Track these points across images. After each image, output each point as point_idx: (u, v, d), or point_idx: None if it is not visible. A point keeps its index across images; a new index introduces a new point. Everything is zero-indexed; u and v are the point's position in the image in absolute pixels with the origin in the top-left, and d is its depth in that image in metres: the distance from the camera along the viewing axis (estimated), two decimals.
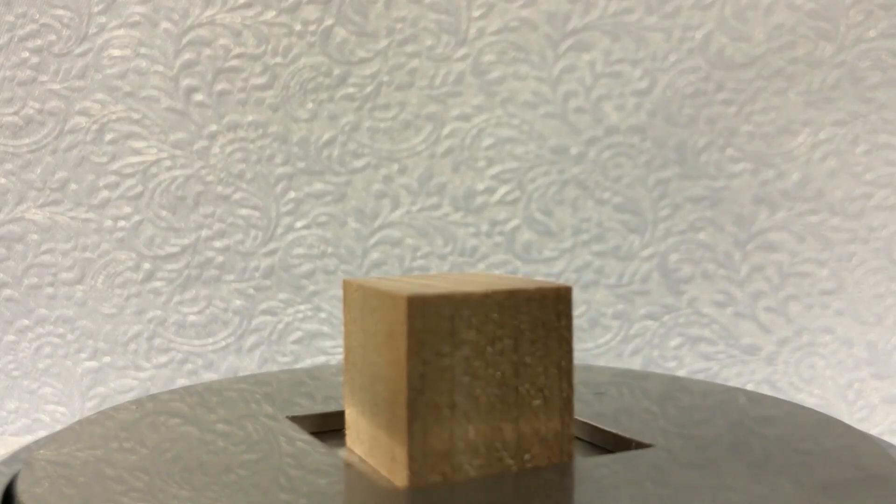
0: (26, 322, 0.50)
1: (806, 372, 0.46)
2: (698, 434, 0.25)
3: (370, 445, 0.23)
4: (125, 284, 0.49)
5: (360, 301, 0.23)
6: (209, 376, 0.50)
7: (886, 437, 0.46)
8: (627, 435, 0.25)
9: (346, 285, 0.24)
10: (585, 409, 0.28)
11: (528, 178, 0.47)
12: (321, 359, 0.49)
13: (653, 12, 0.46)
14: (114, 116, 0.49)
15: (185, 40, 0.48)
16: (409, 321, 0.21)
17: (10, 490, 0.21)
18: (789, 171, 0.46)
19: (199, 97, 0.48)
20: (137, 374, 0.50)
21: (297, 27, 0.47)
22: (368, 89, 0.47)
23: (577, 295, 0.47)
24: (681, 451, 0.23)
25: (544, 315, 0.22)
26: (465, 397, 0.21)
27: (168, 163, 0.49)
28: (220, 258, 0.49)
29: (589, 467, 0.22)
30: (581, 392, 0.30)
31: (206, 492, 0.20)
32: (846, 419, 0.46)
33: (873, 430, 0.46)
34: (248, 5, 0.47)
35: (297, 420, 0.27)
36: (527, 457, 0.22)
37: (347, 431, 0.25)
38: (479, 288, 0.22)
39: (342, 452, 0.25)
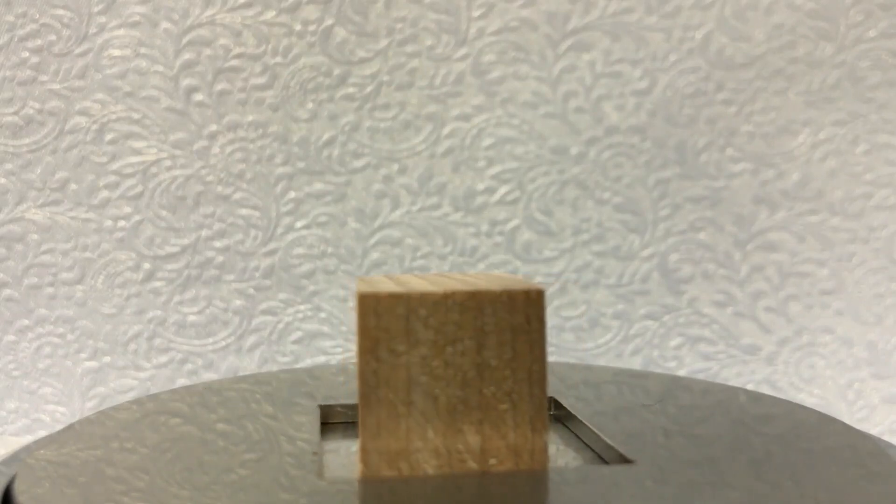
0: (26, 322, 0.50)
1: (806, 372, 0.46)
2: (699, 432, 0.25)
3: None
4: (125, 284, 0.49)
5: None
6: (209, 376, 0.50)
7: (886, 437, 0.46)
8: (621, 441, 0.25)
9: (359, 282, 0.24)
10: (585, 408, 0.28)
11: (528, 178, 0.47)
12: (321, 359, 0.49)
13: (653, 12, 0.46)
14: (114, 116, 0.49)
15: (185, 40, 0.48)
16: (361, 319, 0.21)
17: (9, 490, 0.21)
18: (789, 171, 0.46)
19: (199, 97, 0.48)
20: (137, 374, 0.50)
21: (297, 27, 0.47)
22: (368, 89, 0.47)
23: (576, 295, 0.47)
24: (681, 451, 0.23)
25: (512, 317, 0.21)
26: (422, 397, 0.21)
27: (168, 163, 0.49)
28: (220, 258, 0.49)
29: (563, 477, 0.21)
30: (631, 402, 0.30)
31: (207, 492, 0.20)
32: (846, 419, 0.46)
33: (873, 430, 0.46)
34: (248, 5, 0.47)
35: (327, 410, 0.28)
36: (492, 461, 0.22)
37: None
38: (441, 288, 0.22)
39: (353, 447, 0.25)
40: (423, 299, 0.21)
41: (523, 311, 0.21)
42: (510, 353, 0.21)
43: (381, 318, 0.21)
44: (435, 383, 0.21)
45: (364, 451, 0.21)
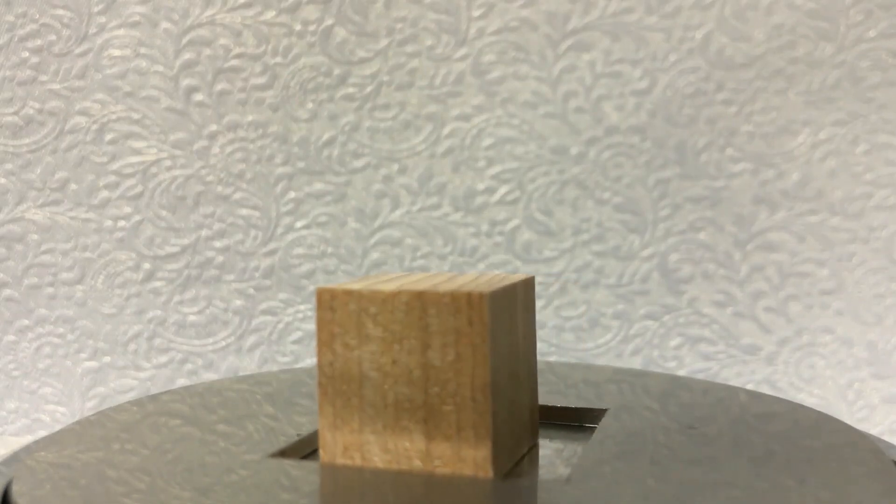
0: (26, 322, 0.50)
1: (806, 372, 0.46)
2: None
3: None
4: (125, 284, 0.49)
5: None
6: (209, 376, 0.50)
7: (886, 437, 0.46)
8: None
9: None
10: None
11: (528, 178, 0.47)
12: None
13: (653, 12, 0.46)
14: (114, 116, 0.49)
15: (185, 40, 0.48)
16: (318, 312, 0.22)
17: (9, 490, 0.21)
18: (789, 171, 0.46)
19: (199, 97, 0.48)
20: (137, 374, 0.50)
21: (297, 27, 0.47)
22: (368, 89, 0.47)
23: (576, 295, 0.47)
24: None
25: (455, 319, 0.21)
26: (372, 391, 0.22)
27: (168, 163, 0.49)
28: (220, 258, 0.49)
29: (506, 487, 0.21)
30: (668, 425, 0.30)
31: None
32: (846, 419, 0.46)
33: (873, 430, 0.46)
34: (248, 5, 0.47)
35: None
36: (437, 462, 0.22)
37: None
38: (394, 287, 0.22)
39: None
40: (373, 297, 0.22)
41: (466, 314, 0.21)
42: (453, 356, 0.21)
43: (336, 313, 0.22)
44: (384, 379, 0.22)
45: (322, 438, 0.23)
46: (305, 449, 0.25)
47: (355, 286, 0.22)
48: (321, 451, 0.23)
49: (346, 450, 0.22)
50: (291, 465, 0.22)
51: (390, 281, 0.24)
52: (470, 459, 0.21)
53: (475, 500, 0.20)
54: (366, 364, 0.22)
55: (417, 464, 0.22)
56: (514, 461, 0.23)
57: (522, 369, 0.24)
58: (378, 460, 0.22)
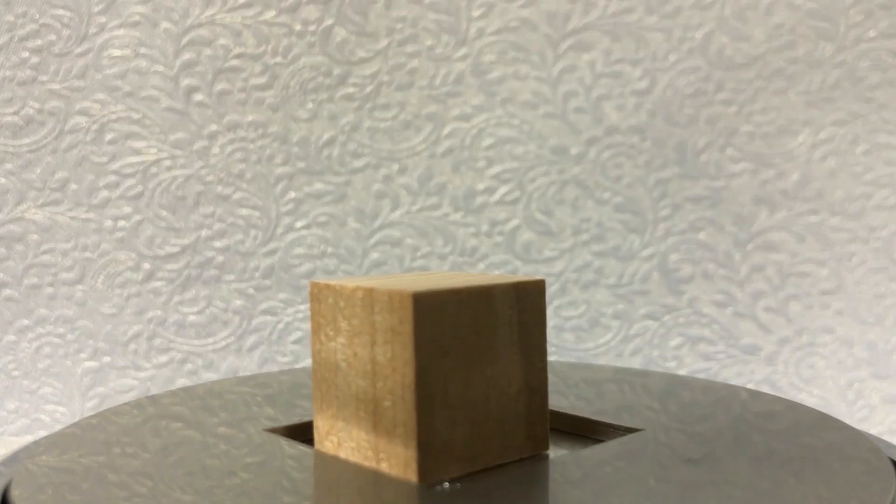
0: (26, 322, 0.50)
1: (806, 372, 0.46)
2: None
3: None
4: (125, 284, 0.49)
5: None
6: (209, 376, 0.50)
7: (886, 437, 0.46)
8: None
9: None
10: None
11: (528, 178, 0.47)
12: None
13: (653, 12, 0.46)
14: (114, 116, 0.49)
15: (185, 40, 0.48)
16: (310, 303, 0.24)
17: (8, 491, 0.21)
18: (789, 171, 0.46)
19: (199, 97, 0.48)
20: (137, 374, 0.50)
21: (297, 27, 0.47)
22: (368, 89, 0.47)
23: (576, 295, 0.47)
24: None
25: (392, 318, 0.22)
26: (342, 381, 0.23)
27: (168, 163, 0.49)
28: (220, 258, 0.49)
29: (432, 494, 0.21)
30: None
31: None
32: (846, 419, 0.46)
33: (873, 430, 0.46)
34: (248, 5, 0.47)
35: None
36: (381, 456, 0.22)
37: None
38: (355, 284, 0.23)
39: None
40: (341, 292, 0.23)
41: (398, 313, 0.22)
42: (391, 353, 0.22)
43: (321, 305, 0.24)
44: (348, 371, 0.23)
45: (315, 424, 0.24)
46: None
47: (336, 282, 0.23)
48: (315, 433, 0.24)
49: (327, 434, 0.24)
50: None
51: (377, 279, 0.24)
52: (402, 458, 0.22)
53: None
54: (339, 355, 0.23)
55: (370, 455, 0.22)
56: (469, 470, 0.22)
57: (502, 376, 0.23)
58: (346, 448, 0.23)
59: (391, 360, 0.22)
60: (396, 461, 0.22)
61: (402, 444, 0.22)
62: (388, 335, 0.22)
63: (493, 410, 0.23)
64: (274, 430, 0.26)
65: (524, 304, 0.24)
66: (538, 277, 0.24)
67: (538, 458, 0.23)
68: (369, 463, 0.22)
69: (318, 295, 0.24)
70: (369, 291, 0.22)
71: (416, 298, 0.21)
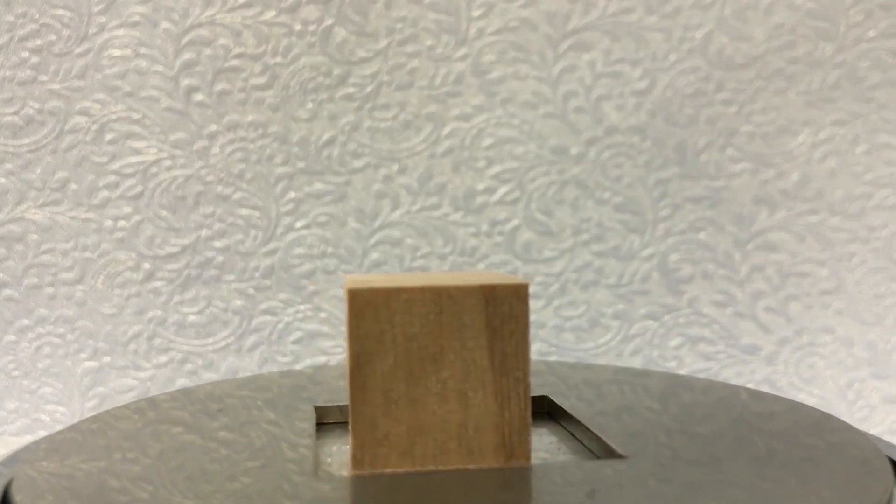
0: (26, 322, 0.51)
1: (806, 372, 0.46)
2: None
3: None
4: (125, 284, 0.49)
5: None
6: (209, 376, 0.50)
7: (886, 437, 0.46)
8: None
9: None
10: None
11: (528, 178, 0.47)
12: (321, 359, 0.49)
13: (653, 12, 0.45)
14: (114, 116, 0.49)
15: (185, 40, 0.48)
16: (346, 306, 0.24)
17: (8, 492, 0.21)
18: (789, 171, 0.46)
19: (199, 97, 0.48)
20: (137, 374, 0.50)
21: (297, 27, 0.47)
22: (368, 89, 0.47)
23: (576, 295, 0.47)
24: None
25: (348, 315, 0.23)
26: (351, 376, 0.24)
27: (168, 163, 0.49)
28: (220, 258, 0.49)
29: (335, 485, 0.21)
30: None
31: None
32: (846, 419, 0.46)
33: (873, 430, 0.46)
34: (248, 5, 0.47)
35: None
36: (357, 452, 0.23)
37: None
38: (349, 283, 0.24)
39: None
40: (348, 291, 0.23)
41: (350, 310, 0.22)
42: (346, 349, 0.23)
43: (346, 304, 0.24)
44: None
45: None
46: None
47: (348, 281, 0.24)
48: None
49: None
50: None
51: (377, 278, 0.25)
52: (367, 455, 0.23)
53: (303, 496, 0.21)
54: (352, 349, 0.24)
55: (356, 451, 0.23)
56: (411, 468, 0.22)
57: (462, 380, 0.23)
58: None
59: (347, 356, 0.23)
60: (355, 457, 0.23)
61: (361, 440, 0.23)
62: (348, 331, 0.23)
63: (449, 413, 0.23)
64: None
65: (497, 308, 0.23)
66: (520, 281, 0.23)
67: (515, 468, 0.23)
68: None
69: (353, 298, 0.24)
70: (347, 291, 0.23)
71: (352, 295, 0.22)
